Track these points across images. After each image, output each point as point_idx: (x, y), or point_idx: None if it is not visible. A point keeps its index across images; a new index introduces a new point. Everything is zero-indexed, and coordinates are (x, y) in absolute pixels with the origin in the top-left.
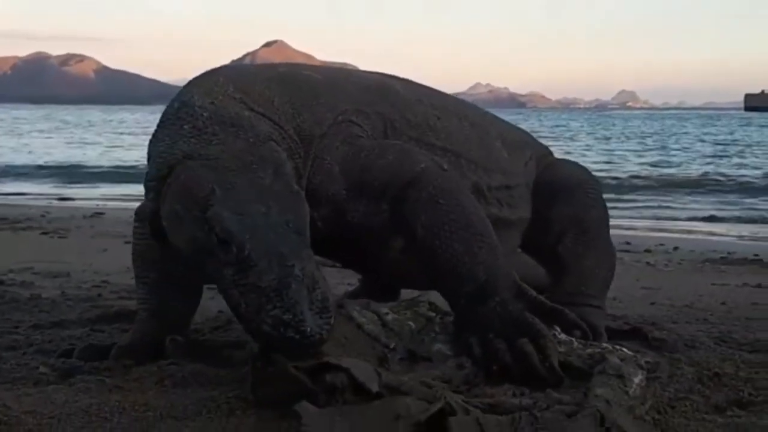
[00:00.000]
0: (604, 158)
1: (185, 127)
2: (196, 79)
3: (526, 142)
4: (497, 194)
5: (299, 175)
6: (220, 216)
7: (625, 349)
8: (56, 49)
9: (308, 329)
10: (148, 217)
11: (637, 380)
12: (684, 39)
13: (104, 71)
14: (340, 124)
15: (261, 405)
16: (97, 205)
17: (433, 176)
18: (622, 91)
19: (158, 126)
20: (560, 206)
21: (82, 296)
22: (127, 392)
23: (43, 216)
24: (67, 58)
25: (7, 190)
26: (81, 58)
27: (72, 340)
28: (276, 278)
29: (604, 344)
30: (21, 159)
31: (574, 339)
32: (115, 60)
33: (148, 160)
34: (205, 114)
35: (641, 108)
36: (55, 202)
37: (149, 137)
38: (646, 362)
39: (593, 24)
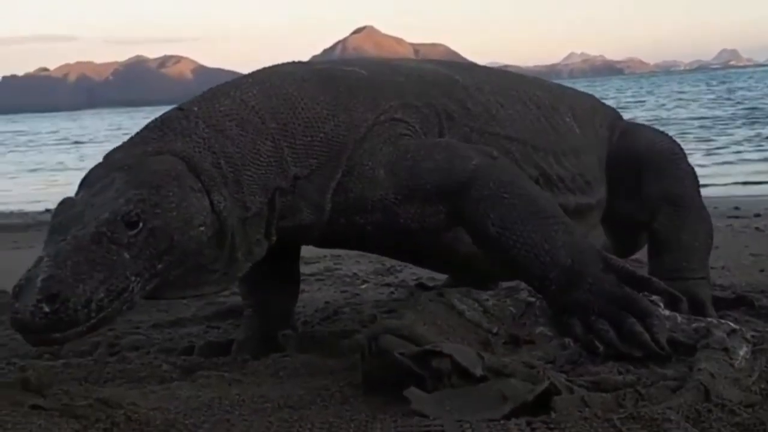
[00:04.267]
0: None
1: (147, 124)
2: (242, 77)
3: (595, 108)
4: (571, 183)
5: (317, 187)
6: (71, 197)
7: (730, 323)
8: (153, 52)
9: (17, 305)
10: None
11: (742, 353)
12: None
13: (201, 70)
14: (382, 124)
15: (372, 392)
16: None
17: (489, 171)
18: (723, 50)
19: None
20: (650, 182)
21: None
22: (246, 385)
23: None
24: (165, 60)
25: None
26: (178, 59)
27: (190, 338)
28: (39, 256)
29: (709, 318)
30: None
31: (678, 314)
32: (211, 59)
33: None
34: (157, 123)
35: (744, 66)
36: None
37: None
38: (753, 335)
39: None
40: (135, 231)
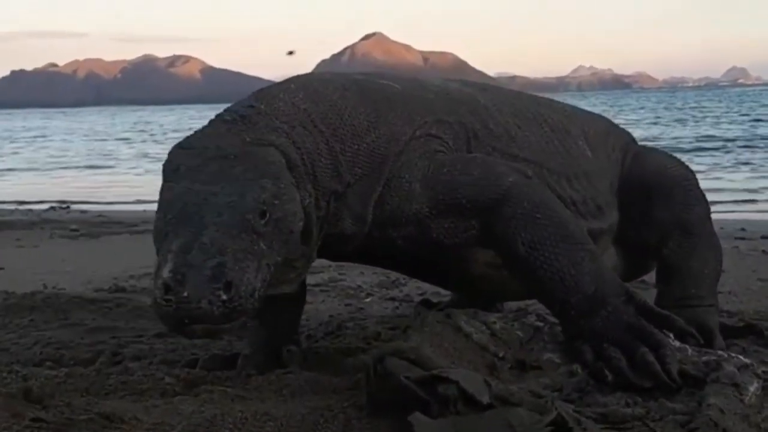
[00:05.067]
0: None
1: (219, 118)
2: (282, 82)
3: (608, 132)
4: (582, 208)
5: (360, 199)
6: (168, 187)
7: (741, 357)
8: (163, 51)
9: (186, 293)
10: None
11: (752, 388)
12: None
13: (209, 71)
14: (418, 138)
15: (375, 414)
16: None
17: (523, 190)
18: (733, 68)
19: None
20: (660, 208)
21: None
22: (249, 402)
23: None
24: (174, 60)
25: None
26: (187, 59)
27: (194, 349)
28: (181, 243)
29: (720, 351)
30: None
31: (688, 347)
32: (219, 60)
33: None
34: (239, 112)
35: (753, 85)
36: None
37: None
38: (764, 371)
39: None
40: (264, 221)
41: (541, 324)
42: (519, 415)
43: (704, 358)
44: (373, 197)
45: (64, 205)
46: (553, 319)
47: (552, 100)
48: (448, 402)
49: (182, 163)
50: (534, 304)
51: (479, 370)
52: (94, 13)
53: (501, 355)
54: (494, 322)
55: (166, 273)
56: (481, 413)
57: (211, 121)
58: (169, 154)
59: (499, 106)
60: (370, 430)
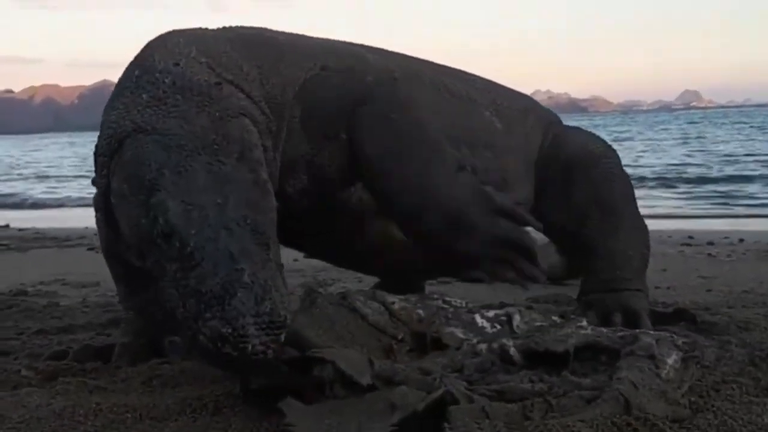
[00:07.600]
0: None
1: (143, 96)
2: (153, 41)
3: (527, 110)
4: (484, 176)
5: (275, 149)
6: (165, 205)
7: (661, 333)
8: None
9: (249, 347)
10: (98, 196)
11: (671, 361)
12: (748, 36)
13: None
14: (311, 81)
15: (251, 403)
16: None
17: (382, 88)
18: (686, 91)
19: (114, 93)
20: (578, 186)
21: (101, 303)
22: (110, 393)
23: (96, 234)
24: None
25: None
26: None
27: (72, 344)
28: (219, 283)
29: (637, 330)
30: None
31: (604, 329)
32: None
33: (100, 130)
34: (167, 80)
35: (705, 107)
36: None
37: None
38: (684, 342)
39: (654, 24)
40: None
41: (445, 306)
42: (402, 394)
43: (620, 334)
44: (279, 147)
45: (3, 224)
46: (458, 303)
47: (463, 72)
48: (324, 385)
49: (161, 165)
50: (436, 285)
51: (374, 354)
52: (50, 38)
53: (400, 337)
54: (393, 303)
55: (219, 324)
56: (361, 396)
57: (139, 102)
58: (132, 147)
59: (388, 65)
60: (242, 418)
